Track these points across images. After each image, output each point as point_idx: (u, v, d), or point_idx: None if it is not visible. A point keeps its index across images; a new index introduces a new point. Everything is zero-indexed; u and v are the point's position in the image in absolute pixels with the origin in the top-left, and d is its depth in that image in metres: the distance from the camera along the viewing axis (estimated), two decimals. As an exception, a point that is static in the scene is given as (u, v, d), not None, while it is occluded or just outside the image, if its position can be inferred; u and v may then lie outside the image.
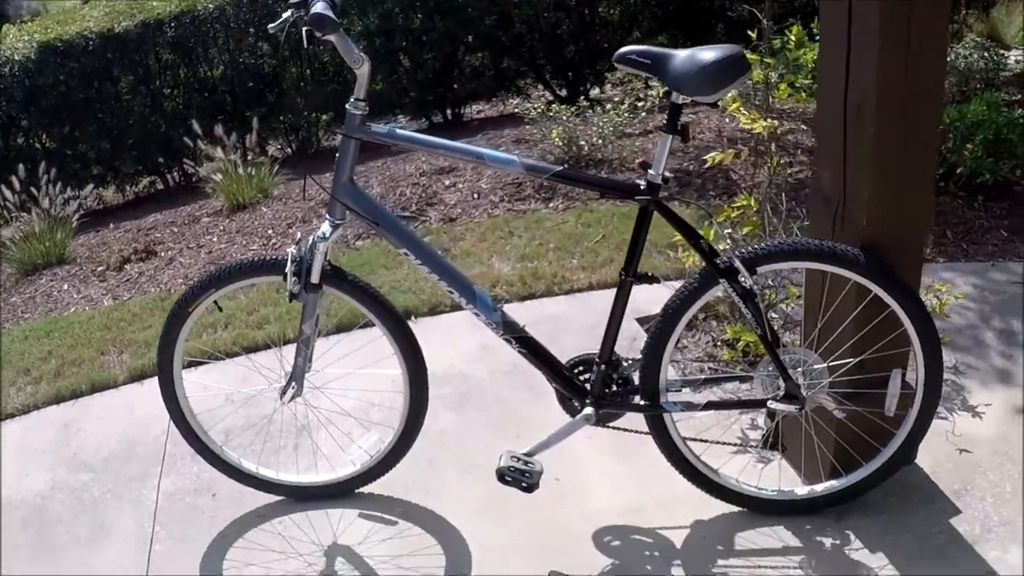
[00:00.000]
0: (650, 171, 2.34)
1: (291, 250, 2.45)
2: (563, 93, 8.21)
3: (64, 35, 7.32)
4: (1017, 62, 7.47)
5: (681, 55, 2.24)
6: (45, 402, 3.80)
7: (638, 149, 5.43)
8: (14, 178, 5.99)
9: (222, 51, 7.49)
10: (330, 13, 2.20)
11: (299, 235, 2.52)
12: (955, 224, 4.34)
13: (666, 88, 2.25)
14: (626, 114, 5.46)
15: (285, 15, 2.34)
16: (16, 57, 7.24)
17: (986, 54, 6.33)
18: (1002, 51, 6.99)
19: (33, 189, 6.01)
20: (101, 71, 7.39)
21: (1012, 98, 5.84)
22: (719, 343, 3.42)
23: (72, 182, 6.80)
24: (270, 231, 5.23)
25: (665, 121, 2.30)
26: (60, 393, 3.83)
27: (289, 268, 2.44)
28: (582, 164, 5.14)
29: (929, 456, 2.79)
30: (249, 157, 6.15)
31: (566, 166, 2.36)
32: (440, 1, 7.56)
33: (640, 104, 5.66)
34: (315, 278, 2.47)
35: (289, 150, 7.61)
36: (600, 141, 5.17)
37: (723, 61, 2.21)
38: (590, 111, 5.63)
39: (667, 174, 2.34)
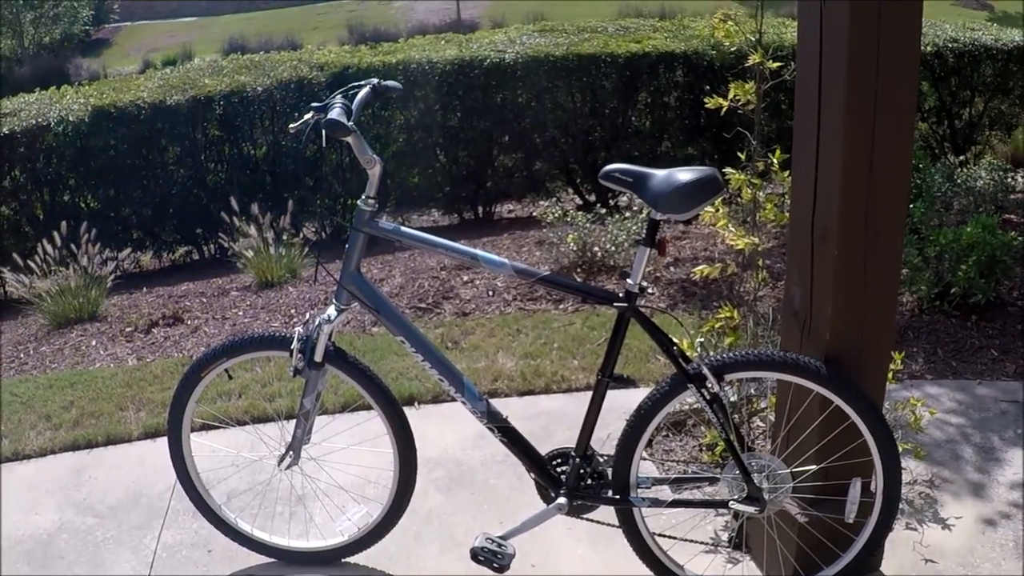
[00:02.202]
0: (628, 280, 2.55)
1: (299, 329, 2.68)
2: (592, 198, 8.46)
3: (118, 101, 7.68)
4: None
5: (659, 175, 2.46)
6: (62, 448, 4.03)
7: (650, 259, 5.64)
8: (56, 233, 6.28)
9: (266, 132, 7.83)
10: (343, 119, 2.44)
11: (307, 316, 2.75)
12: (947, 342, 4.48)
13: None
14: (642, 223, 5.68)
15: (306, 117, 2.59)
16: (71, 118, 7.58)
17: (996, 175, 6.50)
18: (1014, 173, 7.18)
19: (73, 246, 6.29)
20: (150, 140, 7.72)
21: (1019, 220, 6.00)
22: (702, 447, 3.57)
23: (112, 243, 7.10)
24: (292, 310, 5.48)
25: (644, 234, 2.51)
26: (76, 441, 4.06)
27: (295, 345, 2.66)
28: (595, 269, 5.36)
29: (895, 564, 2.91)
30: (283, 237, 6.42)
31: (554, 271, 2.56)
32: (479, 102, 7.91)
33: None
34: (318, 356, 2.69)
35: (324, 233, 7.90)
36: (613, 248, 5.39)
37: (697, 183, 2.43)
38: (608, 218, 5.86)
39: (644, 283, 2.54)
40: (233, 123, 7.74)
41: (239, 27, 39.22)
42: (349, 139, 2.49)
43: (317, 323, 2.68)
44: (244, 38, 37.09)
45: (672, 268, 5.55)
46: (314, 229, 8.29)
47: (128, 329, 5.59)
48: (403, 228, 2.66)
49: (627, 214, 5.89)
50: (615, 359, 2.59)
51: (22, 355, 5.69)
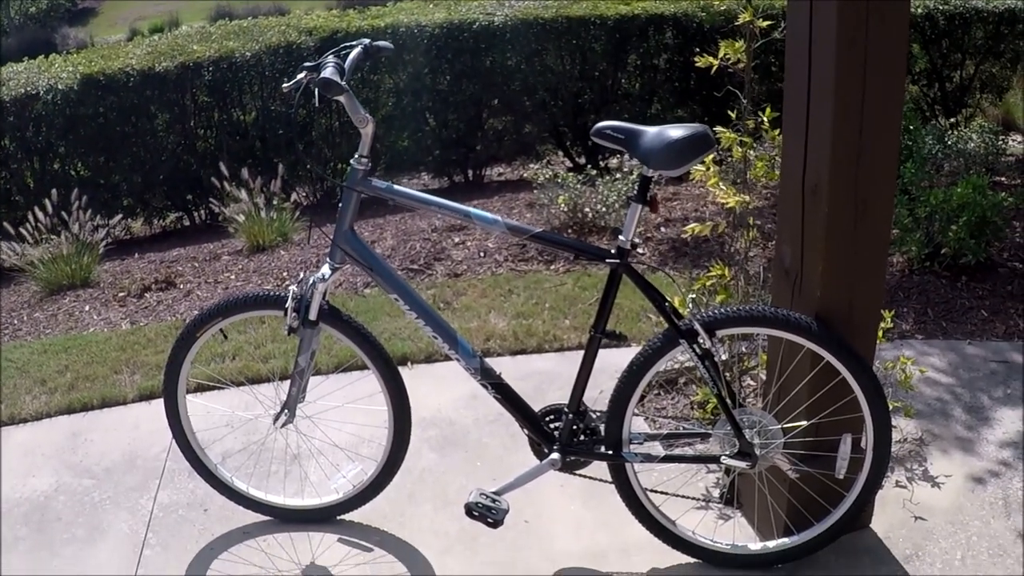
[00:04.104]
0: (620, 237, 2.56)
1: (293, 288, 2.69)
2: (581, 160, 8.48)
3: (107, 69, 7.63)
4: (1020, 144, 7.66)
5: (650, 132, 2.47)
6: (58, 411, 4.06)
7: (642, 217, 5.66)
8: (47, 201, 6.27)
9: (255, 97, 7.79)
10: (336, 78, 2.44)
11: (301, 275, 2.76)
12: (937, 303, 4.52)
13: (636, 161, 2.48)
14: (633, 184, 5.70)
15: (299, 76, 2.59)
16: (59, 86, 7.54)
17: (986, 138, 6.52)
18: (1005, 136, 7.19)
19: (64, 214, 6.28)
20: (139, 107, 7.68)
21: (1010, 182, 6.02)
22: (694, 405, 3.61)
23: (103, 211, 7.08)
24: (284, 273, 5.49)
25: (636, 191, 2.53)
26: (72, 405, 4.09)
27: (290, 304, 2.68)
28: (586, 230, 5.38)
29: (884, 522, 2.95)
30: (274, 202, 6.42)
31: (546, 229, 2.59)
32: (468, 65, 7.89)
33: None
34: (312, 315, 2.71)
35: (314, 198, 7.89)
36: (604, 209, 5.40)
37: (688, 139, 2.44)
38: (599, 179, 5.86)
39: (636, 240, 2.56)
40: (222, 89, 7.69)
41: (226, -6, 39.06)
42: (341, 98, 2.49)
43: (311, 281, 2.69)
44: (231, 6, 36.78)
45: (663, 228, 5.57)
46: (304, 194, 8.28)
47: (121, 294, 5.60)
48: (396, 187, 2.67)
49: (617, 176, 5.90)
50: (608, 315, 2.61)
51: (16, 321, 5.69)
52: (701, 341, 2.55)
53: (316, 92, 2.45)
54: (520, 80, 8.08)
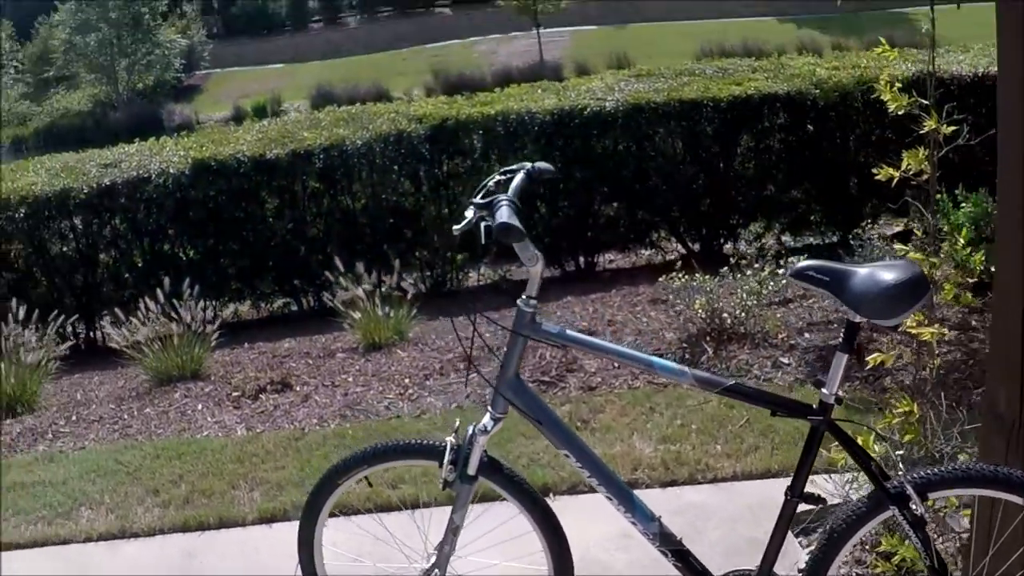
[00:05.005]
0: (823, 390, 2.28)
1: (450, 439, 2.45)
2: (695, 247, 8.23)
3: (218, 155, 7.71)
4: None
5: (860, 274, 2.19)
6: (172, 528, 3.88)
7: (780, 322, 5.34)
8: (159, 290, 6.19)
9: (365, 185, 7.74)
10: (516, 222, 2.22)
11: (457, 422, 2.51)
12: None
13: (841, 305, 2.19)
14: (770, 284, 5.38)
15: (468, 215, 2.37)
16: (171, 170, 7.64)
17: None
18: None
19: (176, 301, 6.18)
20: (249, 192, 7.74)
21: None
22: (867, 548, 3.25)
23: (210, 294, 7.05)
24: (407, 380, 5.26)
25: (841, 340, 2.24)
26: (187, 522, 3.91)
27: (447, 457, 2.43)
28: (724, 337, 5.07)
29: None
30: (388, 293, 6.26)
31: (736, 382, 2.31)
32: (579, 151, 7.73)
33: (780, 272, 5.57)
34: (471, 470, 2.45)
35: (423, 286, 7.76)
36: (743, 314, 5.10)
37: (906, 284, 2.16)
38: (729, 277, 5.59)
39: (841, 394, 2.27)
40: (332, 176, 7.67)
41: (325, 74, 40.17)
42: (515, 245, 2.27)
43: (470, 433, 2.44)
44: (331, 84, 37.87)
45: (807, 334, 5.23)
46: (411, 281, 8.16)
47: (235, 393, 5.46)
48: (569, 332, 2.43)
49: (748, 272, 5.60)
50: (806, 477, 2.30)
51: (125, 415, 5.60)
52: (913, 507, 2.23)
53: (483, 232, 2.23)
54: (632, 165, 7.91)
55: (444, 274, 7.98)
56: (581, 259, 8.32)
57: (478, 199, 2.36)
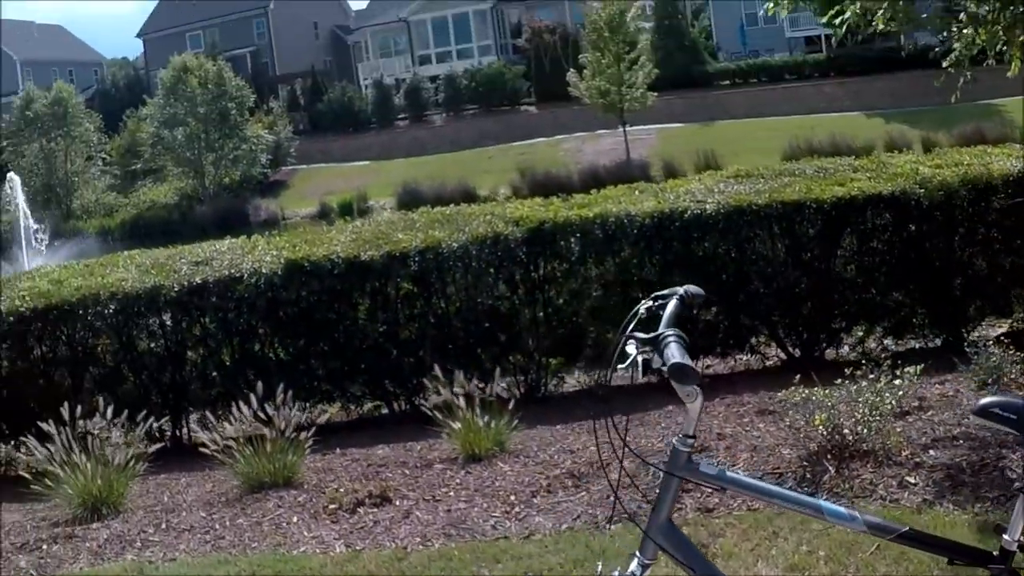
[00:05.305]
0: (1005, 536, 2.06)
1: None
2: (796, 352, 7.96)
3: (311, 256, 7.65)
4: None
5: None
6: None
7: (902, 437, 5.05)
8: (252, 395, 6.08)
9: (459, 287, 7.67)
10: (689, 361, 2.07)
11: (599, 567, 2.32)
12: None
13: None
14: (888, 397, 5.10)
15: (630, 351, 2.23)
16: (263, 270, 7.59)
17: None
18: None
19: (268, 406, 6.06)
20: (342, 293, 7.66)
21: None
22: None
23: (300, 395, 6.93)
24: (512, 496, 5.05)
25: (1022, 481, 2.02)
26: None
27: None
28: (846, 455, 4.80)
29: None
30: (477, 394, 6.08)
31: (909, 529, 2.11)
32: (678, 255, 7.60)
33: (898, 382, 5.28)
34: (624, 621, 2.26)
35: (517, 391, 7.60)
36: (864, 429, 4.82)
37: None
38: (845, 386, 5.32)
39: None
40: (427, 278, 7.60)
41: (411, 171, 40.71)
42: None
43: (617, 582, 2.25)
44: (416, 182, 38.34)
45: (933, 451, 4.93)
46: (503, 385, 8.01)
47: (331, 506, 5.30)
48: (729, 474, 2.25)
49: (863, 382, 5.30)
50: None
51: (217, 525, 5.47)
52: None
53: (643, 368, 2.07)
54: (732, 269, 7.73)
55: (539, 379, 7.80)
56: (679, 365, 8.08)
57: (641, 333, 2.22)
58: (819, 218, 7.66)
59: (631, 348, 2.23)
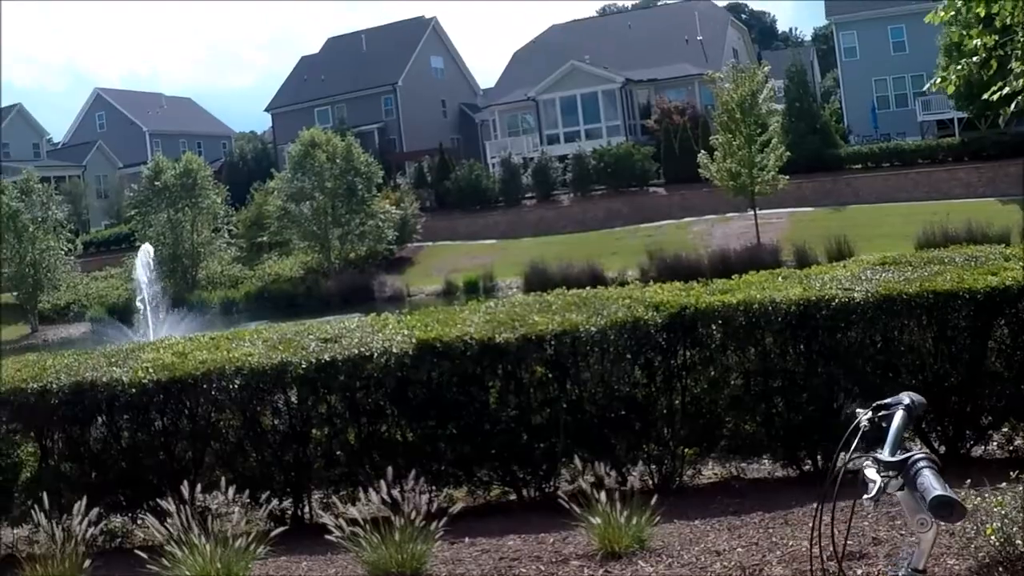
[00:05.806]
0: None
1: None
2: (940, 448, 7.55)
3: (444, 336, 7.56)
4: None
5: None
6: None
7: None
8: (383, 482, 5.98)
9: (595, 373, 7.50)
10: (952, 493, 1.84)
11: None
12: None
13: None
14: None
15: (871, 476, 2.02)
16: (394, 349, 7.50)
17: None
18: None
19: (397, 492, 5.93)
20: (474, 376, 7.57)
21: None
22: None
23: (428, 478, 6.82)
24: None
25: None
26: None
27: None
28: (1019, 568, 4.42)
29: None
30: (604, 482, 5.89)
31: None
32: (823, 345, 7.32)
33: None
34: None
35: (651, 481, 7.34)
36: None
37: None
38: (1007, 494, 4.93)
39: None
40: (562, 363, 7.46)
41: (538, 251, 40.75)
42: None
43: None
44: (543, 261, 38.22)
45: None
46: (635, 475, 7.75)
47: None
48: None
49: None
50: None
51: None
52: None
53: (879, 486, 1.86)
54: (879, 360, 7.43)
55: (674, 469, 7.52)
56: (819, 459, 7.71)
57: (884, 456, 2.00)
58: (970, 308, 7.33)
59: (870, 472, 2.00)
